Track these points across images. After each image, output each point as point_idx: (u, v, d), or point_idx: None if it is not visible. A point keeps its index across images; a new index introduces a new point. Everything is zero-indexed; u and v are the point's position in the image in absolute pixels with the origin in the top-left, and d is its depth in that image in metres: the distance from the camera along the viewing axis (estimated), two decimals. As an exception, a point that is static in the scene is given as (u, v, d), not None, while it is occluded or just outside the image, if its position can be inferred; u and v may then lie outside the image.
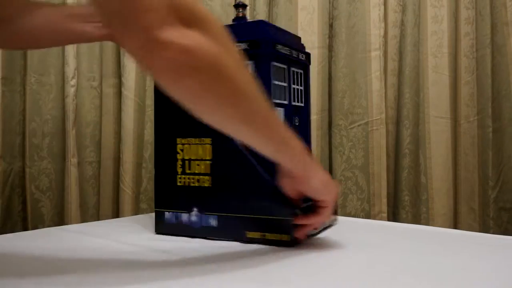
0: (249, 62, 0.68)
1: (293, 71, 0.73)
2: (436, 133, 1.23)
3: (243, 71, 0.49)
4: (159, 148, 0.73)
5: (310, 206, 0.65)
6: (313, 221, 0.65)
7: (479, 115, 1.23)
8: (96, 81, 1.28)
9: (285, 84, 0.71)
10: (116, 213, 1.27)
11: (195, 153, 0.70)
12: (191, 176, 0.70)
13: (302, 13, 1.27)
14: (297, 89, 0.73)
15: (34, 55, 1.20)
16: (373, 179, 1.24)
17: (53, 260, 0.57)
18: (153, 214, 0.79)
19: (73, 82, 1.23)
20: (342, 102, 1.27)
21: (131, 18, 0.40)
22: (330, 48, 1.29)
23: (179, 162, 0.71)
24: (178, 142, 0.71)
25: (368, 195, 1.25)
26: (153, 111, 1.26)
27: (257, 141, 0.54)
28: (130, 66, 1.26)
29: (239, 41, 0.67)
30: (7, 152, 1.18)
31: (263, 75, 0.66)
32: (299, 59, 0.73)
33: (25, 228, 1.20)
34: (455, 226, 1.23)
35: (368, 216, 1.24)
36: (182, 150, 0.71)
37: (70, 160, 1.20)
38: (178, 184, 0.71)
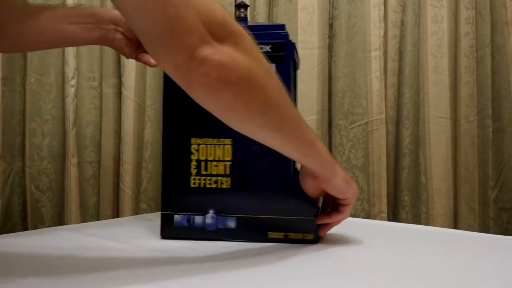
0: (272, 65, 0.69)
1: None
2: (436, 133, 1.23)
3: (273, 81, 0.51)
4: (168, 148, 0.71)
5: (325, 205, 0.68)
6: (335, 219, 0.67)
7: (479, 115, 1.23)
8: (96, 81, 1.28)
9: None
10: (116, 213, 1.27)
11: (212, 153, 0.69)
12: (208, 177, 0.69)
13: (302, 13, 1.27)
14: None
15: (34, 55, 1.20)
16: (373, 179, 1.24)
17: (53, 260, 0.57)
18: (154, 214, 0.79)
19: (73, 82, 1.23)
20: (342, 102, 1.27)
21: (173, 39, 0.43)
22: (330, 48, 1.29)
23: (194, 163, 0.70)
24: (192, 142, 0.70)
25: (368, 195, 1.25)
26: (153, 111, 1.27)
27: (287, 147, 0.57)
28: (130, 66, 1.26)
29: (260, 43, 0.68)
30: (7, 152, 1.18)
31: (286, 77, 0.68)
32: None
33: (25, 228, 1.20)
34: (455, 226, 1.23)
35: (368, 216, 1.24)
36: (197, 151, 0.70)
37: (70, 160, 1.20)
38: (192, 185, 0.69)
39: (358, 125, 1.26)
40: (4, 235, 0.76)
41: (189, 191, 0.68)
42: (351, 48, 1.26)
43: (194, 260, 0.59)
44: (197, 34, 0.43)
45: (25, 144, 1.20)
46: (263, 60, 0.50)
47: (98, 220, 1.24)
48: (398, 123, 1.28)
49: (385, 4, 1.26)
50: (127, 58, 0.74)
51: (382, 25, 1.24)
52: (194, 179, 0.69)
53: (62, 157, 1.22)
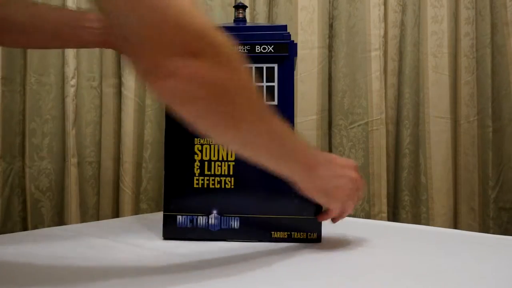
0: (274, 65, 0.69)
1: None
2: (436, 133, 1.23)
3: (248, 94, 0.50)
4: (171, 149, 0.70)
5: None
6: (336, 218, 0.67)
7: (479, 115, 1.23)
8: (96, 81, 1.28)
9: None
10: (116, 213, 1.27)
11: (215, 153, 0.69)
12: (211, 178, 0.69)
13: (302, 13, 1.27)
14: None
15: (34, 55, 1.20)
16: (373, 179, 1.24)
17: (53, 260, 0.57)
18: (154, 214, 0.79)
19: (73, 82, 1.23)
20: (342, 102, 1.27)
21: (145, 47, 0.42)
22: (330, 48, 1.29)
23: (197, 163, 0.70)
24: (196, 143, 0.70)
25: (368, 195, 1.25)
26: (153, 111, 1.27)
27: (261, 159, 0.55)
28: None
29: (262, 43, 0.69)
30: (7, 152, 1.18)
31: (289, 78, 0.69)
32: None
33: (25, 228, 1.20)
34: (455, 226, 1.23)
35: (368, 216, 1.24)
36: (200, 151, 0.70)
37: (70, 160, 1.20)
38: (195, 186, 0.69)
39: (358, 125, 1.26)
40: (4, 235, 0.76)
41: (193, 191, 0.69)
42: (351, 48, 1.26)
43: (197, 260, 0.59)
44: (170, 44, 0.42)
45: (25, 144, 1.20)
46: (242, 72, 0.48)
47: (98, 220, 1.24)
48: (398, 123, 1.28)
49: (385, 4, 1.26)
50: None
51: (382, 25, 1.24)
52: (198, 180, 0.69)
53: (62, 157, 1.22)
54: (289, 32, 0.71)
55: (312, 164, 0.59)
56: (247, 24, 0.76)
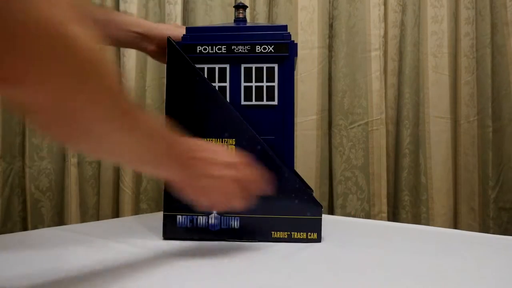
0: (274, 65, 0.69)
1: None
2: (436, 133, 1.23)
3: (105, 103, 0.45)
4: None
5: None
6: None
7: (479, 115, 1.23)
8: (96, 81, 1.28)
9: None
10: (116, 213, 1.27)
11: None
12: None
13: (302, 13, 1.27)
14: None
15: (34, 55, 1.20)
16: (373, 179, 1.24)
17: (53, 260, 0.57)
18: (154, 214, 0.79)
19: (73, 82, 1.23)
20: (342, 102, 1.27)
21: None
22: (330, 48, 1.29)
23: None
24: None
25: (368, 195, 1.25)
26: (153, 111, 1.27)
27: (129, 164, 0.52)
28: (130, 66, 1.26)
29: (263, 43, 0.69)
30: (7, 152, 1.18)
31: (289, 78, 0.69)
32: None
33: (25, 228, 1.20)
34: (455, 226, 1.23)
35: (368, 216, 1.24)
36: None
37: (70, 160, 1.20)
38: None
39: (358, 125, 1.26)
40: (4, 235, 0.76)
41: None
42: (351, 48, 1.26)
43: (197, 260, 0.59)
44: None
45: (25, 144, 1.20)
46: (96, 81, 0.43)
47: (98, 220, 1.24)
48: (398, 123, 1.28)
49: (385, 4, 1.26)
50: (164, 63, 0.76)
51: (382, 25, 1.24)
52: None
53: (62, 157, 1.22)
54: (289, 32, 0.71)
55: (188, 164, 0.56)
56: (247, 24, 0.76)
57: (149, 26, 0.79)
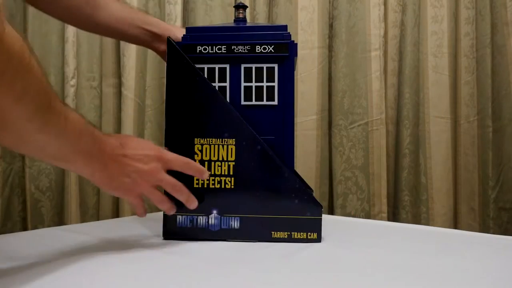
0: (274, 65, 0.69)
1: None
2: (436, 133, 1.23)
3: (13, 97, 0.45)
4: (171, 149, 0.70)
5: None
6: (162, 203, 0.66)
7: (479, 115, 1.23)
8: (96, 81, 1.28)
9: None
10: (116, 213, 1.27)
11: (215, 154, 0.69)
12: (212, 178, 0.69)
13: (302, 13, 1.27)
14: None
15: (33, 55, 1.20)
16: (373, 179, 1.24)
17: (53, 260, 0.57)
18: (154, 214, 0.79)
19: (73, 82, 1.23)
20: (342, 102, 1.27)
21: None
22: (330, 48, 1.29)
23: (197, 163, 0.70)
24: (196, 143, 0.70)
25: (368, 195, 1.25)
26: (153, 111, 1.27)
27: (42, 159, 0.54)
28: (130, 66, 1.26)
29: (263, 43, 0.69)
30: (7, 152, 1.18)
31: (289, 78, 0.69)
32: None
33: (25, 228, 1.20)
34: (455, 226, 1.23)
35: (368, 216, 1.24)
36: (200, 151, 0.70)
37: (70, 160, 1.20)
38: (195, 186, 0.69)
39: (358, 125, 1.26)
40: (4, 235, 0.76)
41: (193, 191, 0.68)
42: (351, 48, 1.27)
43: (197, 260, 0.59)
44: None
45: (25, 144, 1.20)
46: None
47: (98, 220, 1.24)
48: (398, 123, 1.28)
49: (385, 4, 1.26)
50: None
51: (382, 25, 1.24)
52: (198, 180, 0.69)
53: (62, 157, 1.22)
54: (289, 32, 0.71)
55: (101, 161, 0.57)
56: (247, 24, 0.76)
57: (165, 27, 0.80)
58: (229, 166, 0.69)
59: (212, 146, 0.69)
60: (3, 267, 0.53)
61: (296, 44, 0.70)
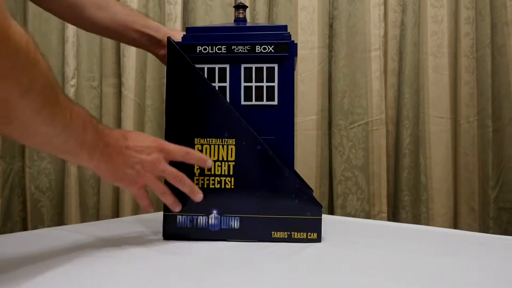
0: (274, 65, 0.69)
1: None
2: (436, 133, 1.23)
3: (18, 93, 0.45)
4: None
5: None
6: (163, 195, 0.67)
7: (479, 115, 1.23)
8: (96, 81, 1.28)
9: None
10: (116, 213, 1.27)
11: (215, 154, 0.69)
12: (211, 178, 0.69)
13: (302, 13, 1.27)
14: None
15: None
16: (373, 179, 1.24)
17: (53, 260, 0.57)
18: (154, 214, 0.79)
19: (73, 82, 1.23)
20: (342, 102, 1.27)
21: None
22: (330, 48, 1.29)
23: None
24: (196, 143, 0.70)
25: (368, 195, 1.25)
26: (153, 111, 1.27)
27: (47, 152, 0.54)
28: (130, 66, 1.26)
29: (263, 43, 0.69)
30: (7, 152, 1.18)
31: (289, 78, 0.69)
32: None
33: (25, 228, 1.20)
34: (455, 226, 1.23)
35: (368, 216, 1.24)
36: (200, 151, 0.70)
37: (70, 160, 1.20)
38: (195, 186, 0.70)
39: (358, 125, 1.26)
40: (4, 235, 0.76)
41: None
42: (351, 48, 1.27)
43: (197, 260, 0.59)
44: None
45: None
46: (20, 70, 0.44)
47: (98, 220, 1.24)
48: (398, 123, 1.28)
49: (385, 4, 1.26)
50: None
51: (382, 25, 1.24)
52: (198, 180, 0.69)
53: (62, 157, 1.22)
54: (289, 32, 0.71)
55: (106, 153, 0.59)
56: (247, 24, 0.76)
57: (165, 31, 0.81)
58: (229, 166, 0.69)
59: (212, 146, 0.69)
60: (3, 267, 0.53)
61: (296, 44, 0.70)
